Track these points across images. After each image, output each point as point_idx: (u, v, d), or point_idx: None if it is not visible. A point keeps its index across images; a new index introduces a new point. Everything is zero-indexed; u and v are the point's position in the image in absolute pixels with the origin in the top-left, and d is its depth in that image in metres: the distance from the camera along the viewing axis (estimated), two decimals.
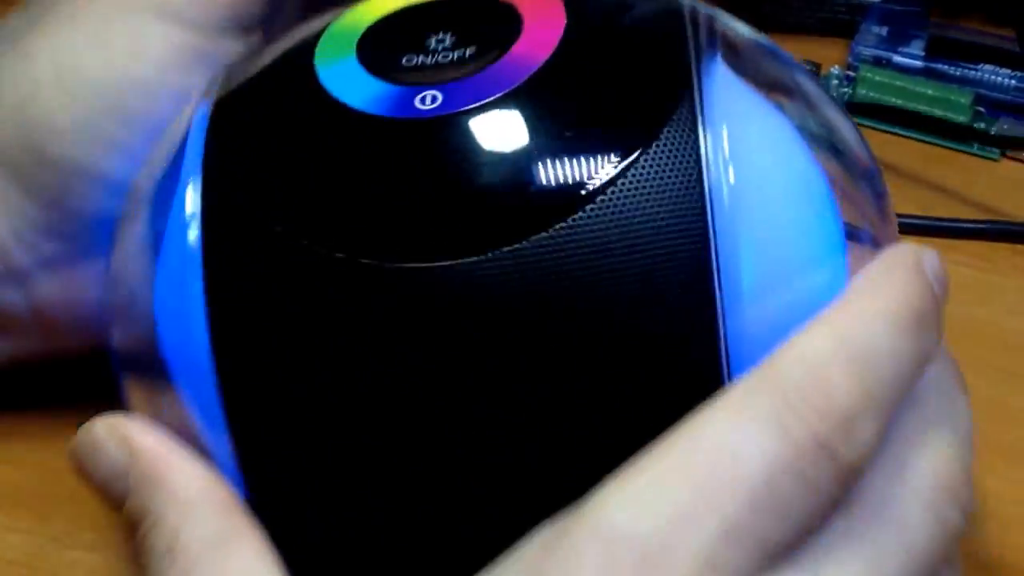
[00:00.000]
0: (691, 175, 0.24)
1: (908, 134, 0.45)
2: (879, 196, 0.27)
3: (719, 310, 0.23)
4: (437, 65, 0.26)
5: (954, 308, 0.38)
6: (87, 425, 0.27)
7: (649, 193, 0.24)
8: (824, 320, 0.24)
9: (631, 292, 0.23)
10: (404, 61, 0.26)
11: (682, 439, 0.23)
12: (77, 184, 0.30)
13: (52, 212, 0.30)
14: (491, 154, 0.24)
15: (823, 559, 0.23)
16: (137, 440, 0.26)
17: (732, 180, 0.24)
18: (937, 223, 0.40)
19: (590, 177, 0.24)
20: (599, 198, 0.23)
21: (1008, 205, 0.42)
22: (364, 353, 0.24)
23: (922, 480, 0.24)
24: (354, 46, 0.26)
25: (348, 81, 0.26)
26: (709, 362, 0.23)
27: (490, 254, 0.23)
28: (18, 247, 0.31)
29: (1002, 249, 0.40)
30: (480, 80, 0.25)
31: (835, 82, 0.46)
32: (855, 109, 0.45)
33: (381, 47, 0.26)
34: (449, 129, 0.24)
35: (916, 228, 0.41)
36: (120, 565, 0.32)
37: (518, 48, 0.26)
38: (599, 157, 0.24)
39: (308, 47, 0.27)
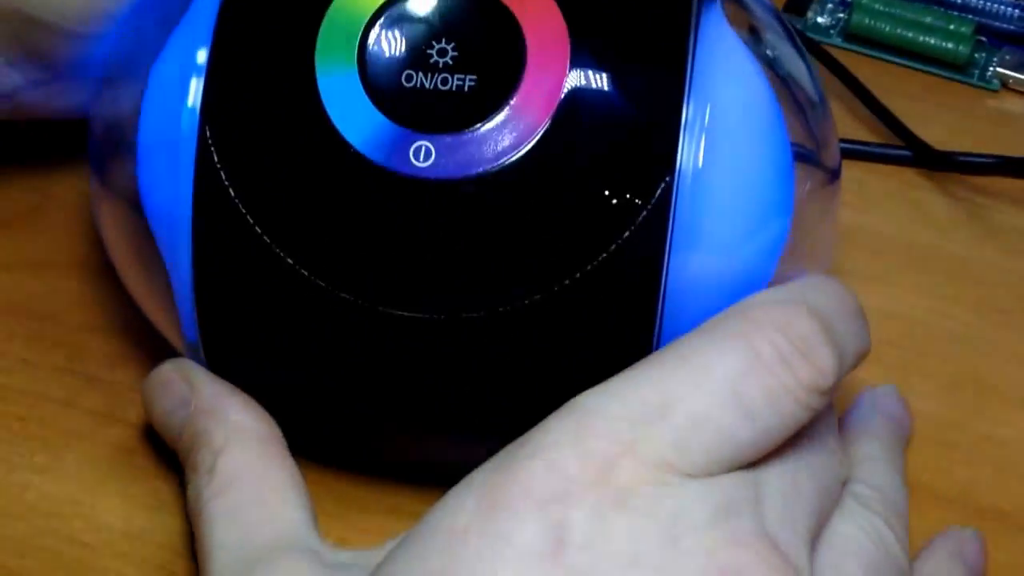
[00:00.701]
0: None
1: (905, 63, 0.43)
2: (826, 126, 0.30)
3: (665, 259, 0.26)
4: (436, 93, 0.27)
5: (951, 246, 0.37)
6: (158, 366, 0.30)
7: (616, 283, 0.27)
8: (783, 285, 0.27)
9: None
10: (404, 80, 0.27)
11: (656, 356, 0.25)
12: (60, 40, 0.32)
13: (38, 56, 0.32)
14: (471, 229, 0.26)
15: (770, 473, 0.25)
16: (199, 378, 0.29)
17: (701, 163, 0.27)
18: (933, 156, 0.39)
19: (559, 270, 0.26)
20: (567, 280, 0.26)
21: (1008, 137, 0.40)
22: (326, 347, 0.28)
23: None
24: (355, 50, 0.27)
25: (348, 105, 0.27)
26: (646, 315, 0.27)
27: (461, 316, 0.27)
28: (6, 76, 0.32)
29: (1002, 183, 0.39)
30: (475, 140, 0.27)
31: (830, 6, 0.44)
32: (851, 37, 0.43)
33: (382, 55, 0.27)
34: (438, 195, 0.27)
35: (912, 160, 0.39)
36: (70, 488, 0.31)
37: (518, 99, 0.27)
38: (565, 255, 0.26)
39: (309, 29, 0.28)
